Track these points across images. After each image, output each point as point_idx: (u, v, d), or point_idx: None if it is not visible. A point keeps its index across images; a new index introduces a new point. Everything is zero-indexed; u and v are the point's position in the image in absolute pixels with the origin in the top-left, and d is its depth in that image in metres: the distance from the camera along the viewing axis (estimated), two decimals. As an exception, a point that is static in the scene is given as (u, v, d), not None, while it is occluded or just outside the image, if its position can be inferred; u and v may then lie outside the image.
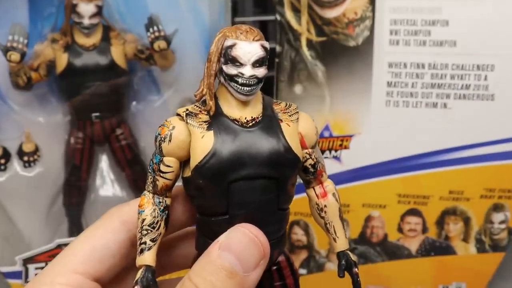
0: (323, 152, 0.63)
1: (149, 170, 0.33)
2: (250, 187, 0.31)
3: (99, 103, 0.59)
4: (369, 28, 0.59)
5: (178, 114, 0.32)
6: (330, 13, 0.59)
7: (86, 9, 0.57)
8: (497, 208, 0.64)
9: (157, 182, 0.32)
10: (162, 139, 0.32)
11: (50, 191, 0.63)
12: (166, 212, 0.33)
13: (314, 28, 0.60)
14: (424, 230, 0.66)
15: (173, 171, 0.32)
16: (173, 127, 0.32)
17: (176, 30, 0.59)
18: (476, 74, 0.59)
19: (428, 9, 0.58)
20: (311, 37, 0.60)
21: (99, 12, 0.58)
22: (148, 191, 0.33)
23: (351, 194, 0.64)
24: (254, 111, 0.32)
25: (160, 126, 0.32)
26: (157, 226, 0.32)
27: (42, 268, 0.59)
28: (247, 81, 0.31)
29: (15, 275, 0.59)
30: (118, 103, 0.61)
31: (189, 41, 0.61)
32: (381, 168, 0.63)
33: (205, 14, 0.61)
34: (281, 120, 0.32)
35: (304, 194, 0.35)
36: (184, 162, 0.32)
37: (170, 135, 0.32)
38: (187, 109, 0.32)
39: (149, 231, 0.32)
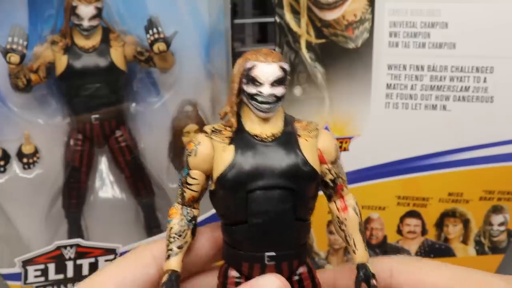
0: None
1: (179, 184, 0.36)
2: (267, 197, 0.33)
3: (98, 104, 0.59)
4: (368, 30, 0.59)
5: (205, 131, 0.35)
6: (330, 15, 0.59)
7: (86, 11, 0.57)
8: (496, 210, 0.64)
9: (184, 194, 0.36)
10: (189, 153, 0.35)
11: (50, 193, 0.63)
12: (193, 222, 0.36)
13: (313, 30, 0.60)
14: (424, 232, 0.66)
15: (199, 184, 0.35)
16: (199, 143, 0.35)
17: (176, 32, 0.59)
18: (475, 76, 0.59)
19: (427, 11, 0.58)
20: (311, 39, 0.60)
21: (98, 14, 0.58)
22: (178, 203, 0.36)
23: (350, 196, 0.64)
24: (274, 127, 0.35)
25: (188, 143, 0.35)
26: (184, 235, 0.35)
27: (41, 270, 0.59)
28: (266, 99, 0.34)
29: (14, 277, 0.59)
30: (118, 105, 0.61)
31: (188, 43, 0.61)
32: (381, 170, 0.63)
33: (204, 15, 0.61)
34: (300, 136, 0.35)
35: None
36: (211, 176, 0.35)
37: (196, 149, 0.35)
38: (213, 127, 0.35)
39: (176, 239, 0.35)
